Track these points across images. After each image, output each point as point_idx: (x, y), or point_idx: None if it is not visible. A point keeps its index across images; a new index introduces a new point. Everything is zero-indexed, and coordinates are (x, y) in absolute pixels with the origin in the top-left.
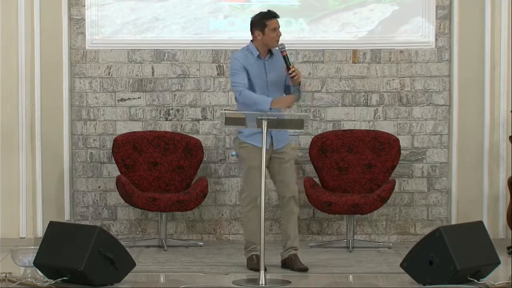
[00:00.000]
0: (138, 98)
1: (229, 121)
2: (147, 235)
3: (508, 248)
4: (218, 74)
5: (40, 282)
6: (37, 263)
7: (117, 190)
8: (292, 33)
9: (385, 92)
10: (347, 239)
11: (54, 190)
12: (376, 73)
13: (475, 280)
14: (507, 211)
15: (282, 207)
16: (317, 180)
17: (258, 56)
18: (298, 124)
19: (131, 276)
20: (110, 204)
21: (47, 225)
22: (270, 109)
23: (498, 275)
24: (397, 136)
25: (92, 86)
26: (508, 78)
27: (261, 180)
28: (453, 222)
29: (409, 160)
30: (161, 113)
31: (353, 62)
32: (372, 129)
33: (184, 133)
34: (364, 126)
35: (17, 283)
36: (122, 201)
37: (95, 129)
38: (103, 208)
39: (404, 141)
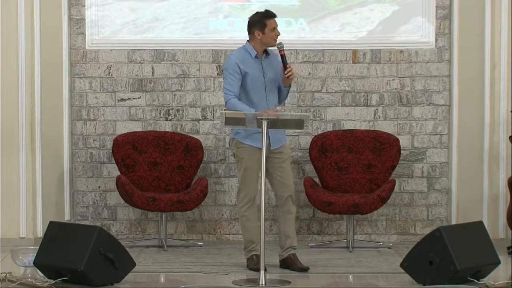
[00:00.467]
0: (138, 98)
1: (229, 121)
2: (147, 235)
3: (508, 248)
4: (218, 74)
5: (40, 282)
6: (37, 263)
7: (117, 190)
8: (292, 33)
9: (385, 92)
10: (347, 239)
11: (54, 190)
12: (376, 73)
13: (475, 280)
14: (507, 211)
15: (279, 206)
16: (317, 180)
17: (256, 56)
18: (298, 124)
19: (131, 276)
20: (110, 204)
21: (47, 225)
22: None
23: (498, 275)
24: (397, 136)
25: (92, 86)
26: (508, 78)
27: (261, 180)
28: (453, 222)
29: (409, 160)
30: (161, 113)
31: (353, 62)
32: (372, 129)
33: (184, 133)
34: (364, 126)
35: (17, 283)
36: (122, 201)
37: (95, 129)
38: (103, 208)
39: (404, 141)
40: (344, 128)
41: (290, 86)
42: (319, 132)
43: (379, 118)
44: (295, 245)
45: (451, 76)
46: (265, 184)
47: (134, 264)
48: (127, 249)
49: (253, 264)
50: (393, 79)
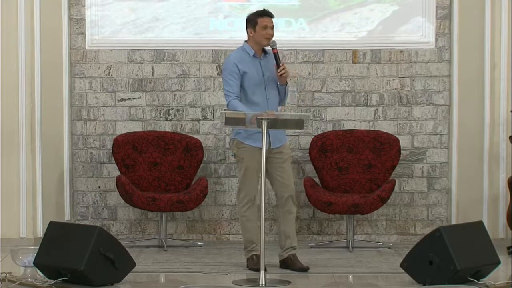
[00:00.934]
0: (138, 98)
1: (229, 121)
2: (147, 235)
3: (508, 248)
4: (218, 74)
5: (40, 282)
6: (37, 263)
7: (117, 190)
8: (292, 33)
9: (385, 92)
10: (347, 239)
11: (54, 190)
12: (376, 73)
13: (475, 280)
14: (507, 211)
15: (280, 206)
16: (317, 180)
17: (254, 56)
18: (298, 124)
19: (131, 276)
20: (110, 204)
21: (47, 225)
22: None
23: (498, 275)
24: (397, 136)
25: (92, 86)
26: (508, 78)
27: (261, 180)
28: (453, 222)
29: (409, 160)
30: (161, 113)
31: (353, 62)
32: (372, 129)
33: (184, 133)
34: (364, 126)
35: (17, 283)
36: (122, 201)
37: (95, 129)
38: (103, 208)
39: (404, 141)
40: (344, 128)
41: (286, 84)
42: (319, 132)
43: (379, 118)
44: (295, 245)
45: (451, 76)
46: (265, 184)
47: (134, 264)
48: (127, 249)
49: (253, 264)
50: (393, 79)
